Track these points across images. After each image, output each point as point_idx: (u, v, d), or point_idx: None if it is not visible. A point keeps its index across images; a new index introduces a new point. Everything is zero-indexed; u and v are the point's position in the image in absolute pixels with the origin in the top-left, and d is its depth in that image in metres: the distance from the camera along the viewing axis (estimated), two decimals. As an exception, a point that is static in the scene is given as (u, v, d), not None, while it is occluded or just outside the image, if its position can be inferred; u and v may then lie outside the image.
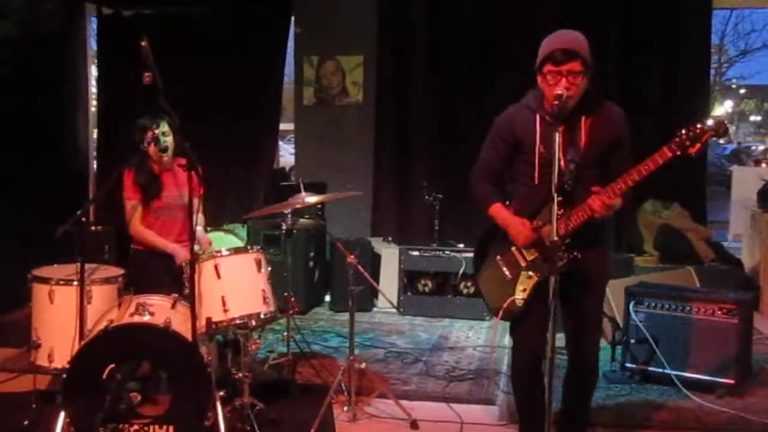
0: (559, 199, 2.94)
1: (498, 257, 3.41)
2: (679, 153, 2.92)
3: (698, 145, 2.91)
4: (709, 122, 2.91)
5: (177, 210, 4.27)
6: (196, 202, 3.51)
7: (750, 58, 28.29)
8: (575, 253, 3.05)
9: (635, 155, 3.15)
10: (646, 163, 2.97)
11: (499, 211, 3.38)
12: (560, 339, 3.41)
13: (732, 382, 4.38)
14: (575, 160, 3.14)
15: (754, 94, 33.36)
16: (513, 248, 3.35)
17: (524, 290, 3.29)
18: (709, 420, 4.10)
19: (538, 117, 3.24)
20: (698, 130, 2.89)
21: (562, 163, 3.01)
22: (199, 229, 4.27)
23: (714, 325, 4.43)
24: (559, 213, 3.09)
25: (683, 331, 4.50)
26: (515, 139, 3.32)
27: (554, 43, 3.10)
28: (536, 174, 3.25)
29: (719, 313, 4.42)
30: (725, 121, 3.00)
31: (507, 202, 3.42)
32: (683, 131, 2.91)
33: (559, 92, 3.00)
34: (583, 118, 3.19)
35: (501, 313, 3.36)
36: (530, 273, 3.29)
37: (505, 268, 3.38)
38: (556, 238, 2.86)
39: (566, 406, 3.54)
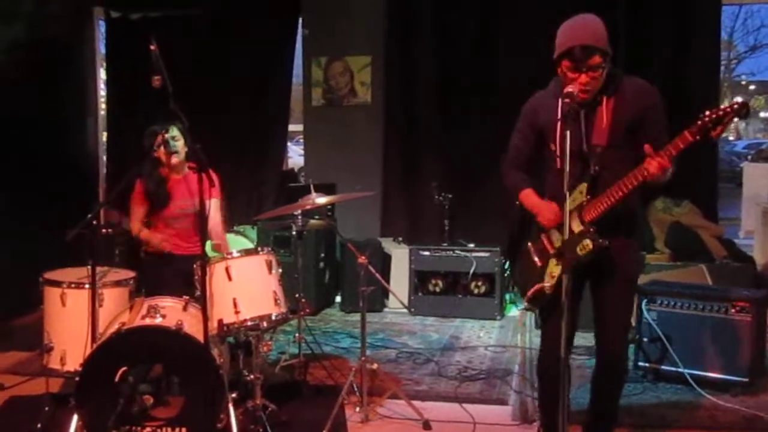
0: (587, 184, 2.88)
1: (529, 244, 3.40)
2: (699, 138, 2.84)
3: (720, 128, 2.83)
4: (733, 104, 2.84)
5: (189, 217, 4.29)
6: (208, 204, 3.52)
7: (759, 54, 28.19)
8: (601, 241, 3.02)
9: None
10: (668, 148, 2.89)
11: (528, 197, 3.37)
12: (580, 337, 3.40)
13: (746, 380, 4.35)
14: (599, 144, 3.10)
15: (764, 90, 33.16)
16: (542, 234, 3.33)
17: (553, 277, 3.25)
18: (724, 419, 4.07)
19: (560, 102, 3.20)
20: (721, 112, 2.80)
21: (584, 147, 2.97)
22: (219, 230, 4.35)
23: (727, 322, 4.39)
24: (587, 198, 3.08)
25: (696, 330, 4.47)
26: (539, 125, 3.30)
27: (573, 38, 3.03)
28: (559, 159, 3.20)
29: (733, 310, 4.39)
30: (747, 102, 2.94)
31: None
32: (706, 114, 2.82)
33: (570, 90, 2.95)
34: (604, 99, 3.13)
35: (527, 298, 3.35)
36: (558, 260, 3.25)
37: (535, 255, 3.36)
38: (566, 237, 2.85)
39: (594, 401, 3.49)
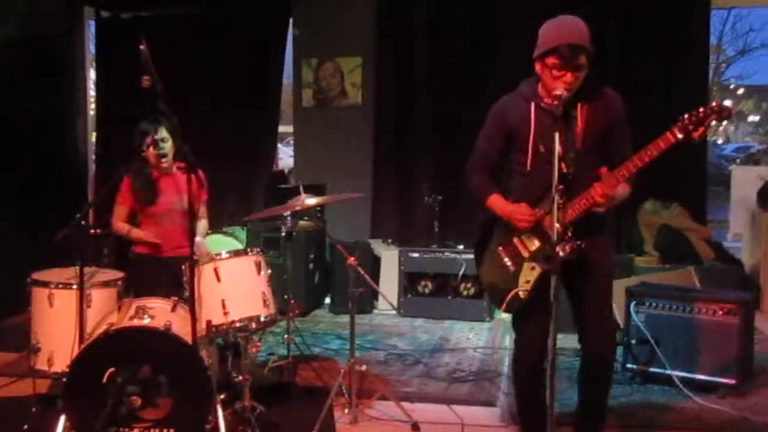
0: (561, 187, 2.93)
1: (500, 248, 3.36)
2: (682, 137, 2.89)
3: (701, 129, 2.88)
4: (713, 104, 2.90)
5: (177, 215, 4.28)
6: (196, 205, 3.51)
7: (748, 57, 28.34)
8: (579, 243, 3.03)
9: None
10: (650, 148, 2.93)
11: (497, 201, 3.36)
12: (569, 339, 3.40)
13: (733, 382, 4.37)
14: (573, 148, 3.12)
15: (753, 93, 33.32)
16: (515, 239, 3.31)
17: (528, 282, 3.23)
18: (711, 420, 4.09)
19: (533, 105, 3.21)
20: (701, 114, 2.86)
21: (559, 149, 3.00)
22: (199, 239, 4.26)
23: (715, 325, 4.41)
24: (561, 202, 3.08)
25: (684, 332, 4.49)
26: (509, 128, 3.29)
27: (560, 37, 3.04)
28: (529, 161, 3.23)
29: (720, 313, 4.41)
30: (728, 104, 2.99)
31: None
32: (686, 115, 2.88)
33: (559, 93, 2.97)
34: (579, 105, 3.16)
35: (504, 305, 3.31)
36: (533, 264, 3.24)
37: (507, 260, 3.33)
38: (556, 236, 2.85)
39: (582, 401, 3.48)
